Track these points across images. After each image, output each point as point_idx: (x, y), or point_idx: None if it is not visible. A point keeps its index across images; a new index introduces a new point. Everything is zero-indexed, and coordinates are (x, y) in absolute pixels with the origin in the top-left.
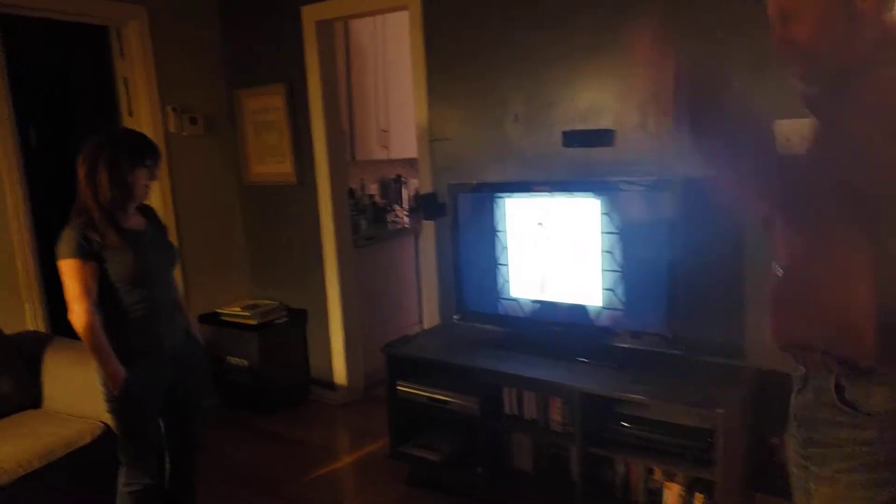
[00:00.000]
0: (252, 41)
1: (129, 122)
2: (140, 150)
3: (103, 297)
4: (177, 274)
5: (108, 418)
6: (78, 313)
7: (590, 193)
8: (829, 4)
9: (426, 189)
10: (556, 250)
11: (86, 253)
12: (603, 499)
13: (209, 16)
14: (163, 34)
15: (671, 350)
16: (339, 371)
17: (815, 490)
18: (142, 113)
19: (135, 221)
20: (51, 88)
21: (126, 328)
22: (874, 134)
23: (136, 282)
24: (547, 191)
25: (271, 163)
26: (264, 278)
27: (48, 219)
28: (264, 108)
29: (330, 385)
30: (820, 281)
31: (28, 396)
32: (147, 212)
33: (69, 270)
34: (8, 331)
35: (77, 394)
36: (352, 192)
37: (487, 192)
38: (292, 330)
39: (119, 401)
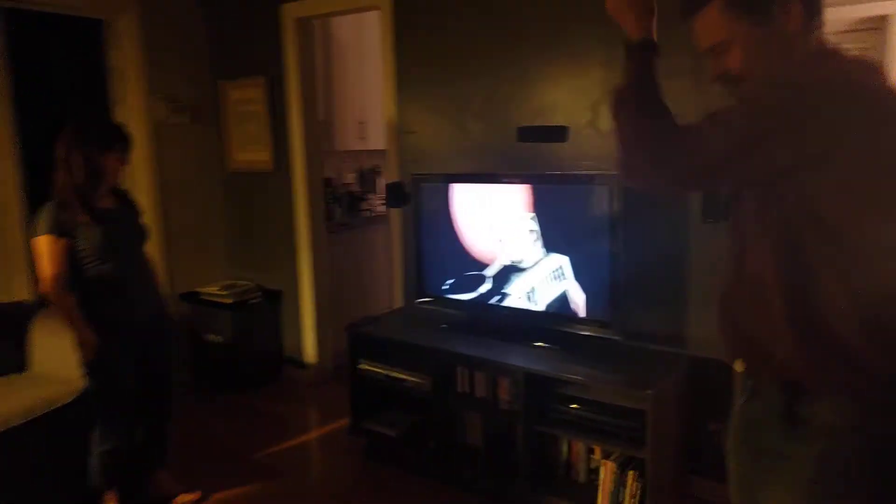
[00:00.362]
0: (235, 35)
1: (119, 111)
2: (110, 137)
3: (75, 270)
4: (159, 254)
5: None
6: (50, 285)
7: (535, 185)
8: (753, 33)
9: (393, 178)
10: (506, 240)
11: (58, 230)
12: (547, 476)
13: (196, 10)
14: (152, 27)
15: (613, 336)
16: (310, 350)
17: (762, 498)
18: (131, 102)
19: (106, 202)
20: (47, 78)
21: (96, 299)
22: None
23: (103, 257)
24: (498, 182)
25: (251, 151)
26: (242, 260)
27: (41, 199)
28: (246, 99)
29: (301, 364)
30: (738, 294)
31: (13, 362)
32: (120, 194)
33: (43, 246)
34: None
35: (60, 360)
36: (329, 181)
37: (445, 183)
38: (266, 310)
39: (91, 366)
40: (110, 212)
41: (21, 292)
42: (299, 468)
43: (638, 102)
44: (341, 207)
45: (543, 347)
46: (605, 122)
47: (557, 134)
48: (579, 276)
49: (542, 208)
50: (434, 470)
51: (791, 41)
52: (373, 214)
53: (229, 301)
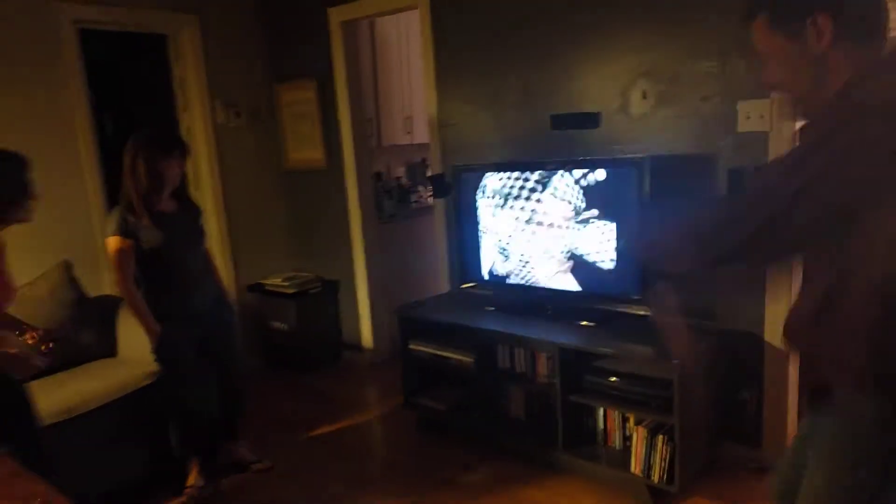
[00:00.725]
0: (287, 41)
1: (183, 117)
2: (170, 146)
3: (140, 267)
4: (226, 250)
5: None
6: (118, 281)
7: (570, 171)
8: (786, 48)
9: (436, 170)
10: (544, 224)
11: (125, 232)
12: (584, 443)
13: (250, 20)
14: (211, 39)
15: (644, 312)
16: (367, 335)
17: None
18: (194, 107)
19: (167, 206)
20: (121, 88)
21: (159, 293)
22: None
23: (165, 255)
24: (535, 169)
25: (305, 150)
26: (301, 253)
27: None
28: (298, 100)
29: (358, 347)
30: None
31: (105, 347)
32: (181, 197)
33: (112, 246)
34: (91, 295)
35: (144, 346)
36: (379, 175)
37: (484, 172)
38: (326, 298)
39: (157, 352)
40: (171, 215)
41: (108, 287)
42: (358, 440)
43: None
44: (392, 200)
45: (579, 324)
46: (635, 107)
47: (590, 120)
48: (611, 255)
49: (577, 192)
50: (479, 439)
51: (823, 60)
52: (421, 206)
53: (291, 291)
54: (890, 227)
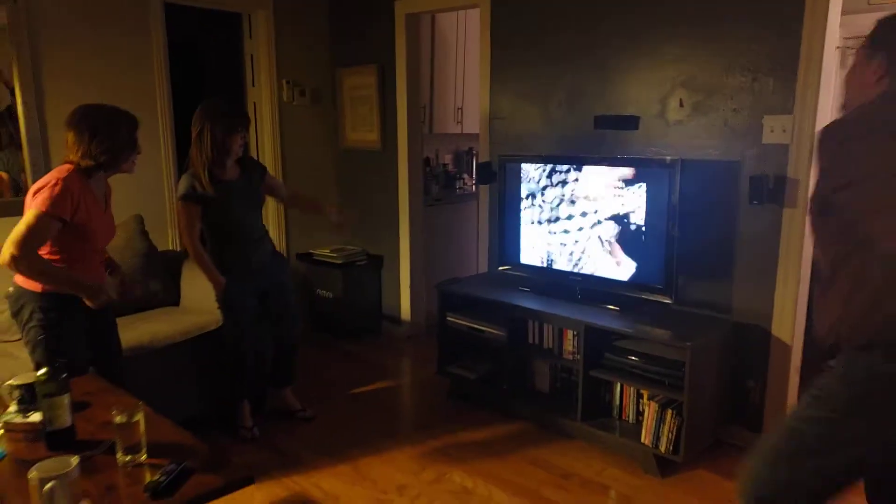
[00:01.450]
0: (352, 28)
1: (251, 92)
2: (233, 119)
3: (206, 226)
4: (279, 218)
5: None
6: (186, 239)
7: (609, 168)
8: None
9: (483, 158)
10: (579, 214)
11: (192, 196)
12: (601, 415)
13: (320, 5)
14: (283, 20)
15: (665, 300)
16: (406, 309)
17: None
18: (262, 84)
19: (231, 173)
20: (194, 61)
21: (222, 250)
22: None
23: (225, 219)
24: (576, 164)
25: (362, 131)
26: (350, 227)
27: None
28: (359, 85)
29: (397, 320)
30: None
31: (171, 296)
32: (245, 162)
33: (180, 208)
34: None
35: (205, 296)
36: (428, 161)
37: (529, 163)
38: (370, 272)
39: (222, 302)
40: (233, 182)
41: (173, 243)
42: (393, 402)
43: None
44: (438, 185)
45: (604, 308)
46: (672, 113)
47: (630, 123)
48: (640, 247)
49: (613, 188)
50: (506, 407)
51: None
52: (465, 192)
53: (339, 262)
54: None
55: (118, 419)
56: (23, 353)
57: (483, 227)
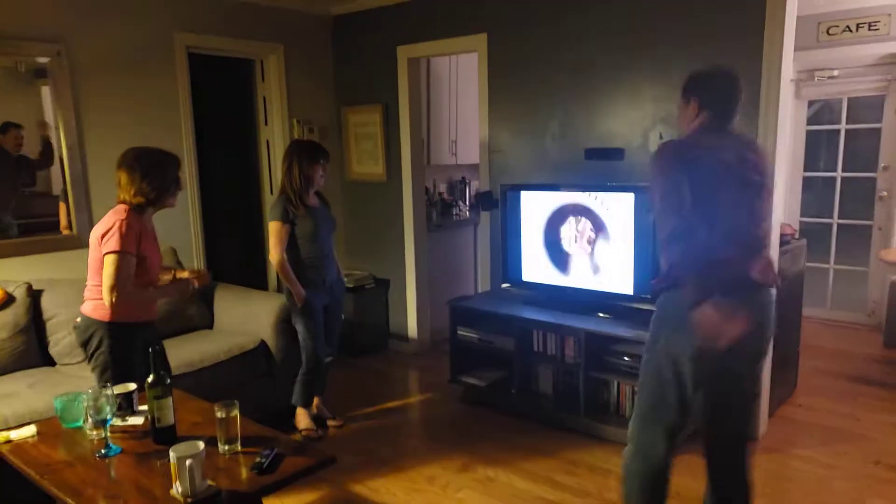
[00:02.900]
0: (358, 70)
1: (264, 130)
2: (317, 154)
3: (291, 247)
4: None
5: (264, 335)
6: (275, 255)
7: (600, 193)
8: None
9: (484, 188)
10: (574, 236)
11: (284, 218)
12: (601, 412)
13: (327, 51)
14: (293, 64)
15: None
16: (412, 327)
17: None
18: (274, 122)
19: (313, 200)
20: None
21: (304, 266)
22: None
23: (311, 239)
24: (570, 190)
25: (367, 164)
26: (358, 253)
27: (210, 196)
28: (364, 122)
29: (405, 338)
30: None
31: (205, 320)
32: (320, 195)
33: (273, 228)
34: None
35: (238, 320)
36: (425, 190)
37: (527, 191)
38: (377, 294)
39: (301, 311)
40: (317, 209)
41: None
42: (412, 409)
43: None
44: (436, 212)
45: (601, 317)
46: (653, 145)
47: (616, 154)
48: (630, 263)
49: (603, 211)
50: (515, 409)
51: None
52: (461, 218)
53: (350, 286)
54: None
55: (219, 414)
56: (84, 373)
57: (484, 249)
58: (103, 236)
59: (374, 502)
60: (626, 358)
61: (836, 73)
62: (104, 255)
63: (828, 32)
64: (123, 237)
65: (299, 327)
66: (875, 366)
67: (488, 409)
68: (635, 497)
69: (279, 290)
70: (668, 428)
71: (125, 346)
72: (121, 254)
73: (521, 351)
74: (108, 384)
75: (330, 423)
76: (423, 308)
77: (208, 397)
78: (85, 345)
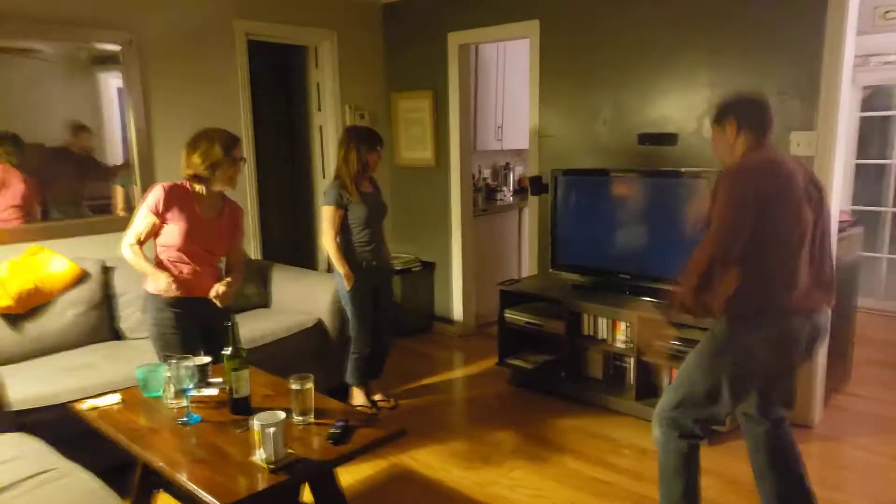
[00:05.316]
0: (408, 57)
1: (317, 116)
2: (374, 140)
3: (343, 231)
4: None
5: (321, 314)
6: (327, 238)
7: (654, 179)
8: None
9: (534, 173)
10: (624, 221)
11: (338, 203)
12: (651, 395)
13: (378, 38)
14: (345, 51)
15: None
16: (457, 310)
17: None
18: (327, 108)
19: (366, 186)
20: (266, 89)
21: (355, 250)
22: None
23: (363, 224)
24: (622, 176)
25: (416, 150)
26: (405, 237)
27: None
28: (414, 108)
29: (449, 321)
30: None
31: (263, 299)
32: (373, 181)
33: (327, 212)
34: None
35: (293, 299)
36: (472, 175)
37: (578, 176)
38: (423, 277)
39: (350, 296)
40: (370, 194)
41: (254, 253)
42: (461, 390)
43: None
44: (480, 197)
45: (650, 301)
46: (707, 131)
47: (670, 139)
48: (680, 247)
49: (655, 197)
50: (563, 392)
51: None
52: (504, 203)
53: (396, 268)
54: None
55: (294, 386)
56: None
57: (532, 233)
58: None
59: (430, 478)
60: (676, 342)
61: (892, 57)
62: None
63: (884, 17)
64: (147, 197)
65: (348, 311)
66: None
67: (536, 392)
68: (670, 472)
69: (329, 271)
70: (709, 417)
71: (165, 320)
72: (140, 209)
73: (572, 334)
74: (162, 354)
75: (381, 403)
76: (469, 291)
77: (271, 372)
78: (144, 315)
